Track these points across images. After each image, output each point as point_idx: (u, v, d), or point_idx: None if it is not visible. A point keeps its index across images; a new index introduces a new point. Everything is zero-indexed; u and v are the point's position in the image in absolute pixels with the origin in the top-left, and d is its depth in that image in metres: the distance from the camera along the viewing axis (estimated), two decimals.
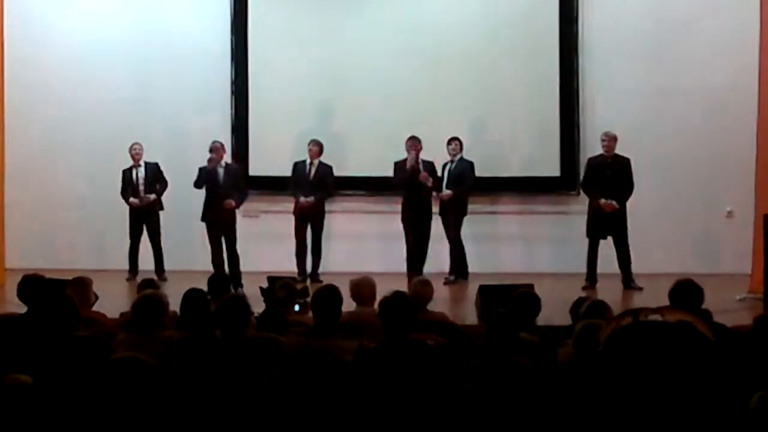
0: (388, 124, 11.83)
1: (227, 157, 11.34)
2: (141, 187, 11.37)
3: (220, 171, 10.71)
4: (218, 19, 12.24)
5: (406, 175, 10.79)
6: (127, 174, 11.47)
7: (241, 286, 9.84)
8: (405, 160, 10.89)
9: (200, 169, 10.75)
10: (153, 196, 11.31)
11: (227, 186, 10.69)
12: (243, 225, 11.92)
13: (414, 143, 10.84)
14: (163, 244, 11.37)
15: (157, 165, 11.41)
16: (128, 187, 11.43)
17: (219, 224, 10.59)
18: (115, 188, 11.47)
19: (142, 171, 11.45)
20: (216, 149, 10.68)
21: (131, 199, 11.34)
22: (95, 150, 12.20)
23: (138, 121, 12.06)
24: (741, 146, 10.81)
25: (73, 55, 12.34)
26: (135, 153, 11.44)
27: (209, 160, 10.61)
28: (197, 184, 10.77)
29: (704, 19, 11.73)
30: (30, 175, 12.23)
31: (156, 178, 11.39)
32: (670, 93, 11.72)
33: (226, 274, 7.20)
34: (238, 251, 10.60)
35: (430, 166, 10.96)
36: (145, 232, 11.40)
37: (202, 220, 10.74)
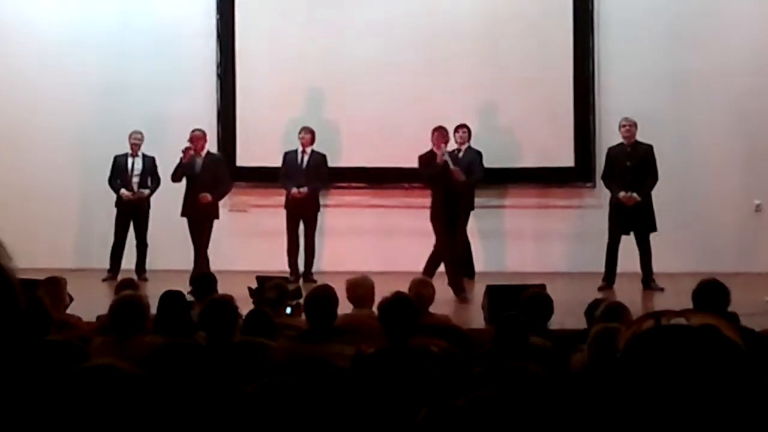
0: (387, 110, 11.82)
1: (213, 147, 11.33)
2: (134, 180, 11.31)
3: (199, 162, 10.70)
4: None
5: (437, 169, 10.28)
6: (120, 162, 11.35)
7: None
8: (431, 152, 10.70)
9: (179, 162, 10.77)
10: (146, 192, 11.25)
11: (206, 178, 10.68)
12: (230, 220, 11.92)
13: (442, 133, 10.46)
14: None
15: (153, 159, 11.29)
16: (119, 177, 11.33)
17: (198, 219, 10.60)
18: (92, 181, 11.45)
19: (139, 163, 11.37)
20: (196, 138, 10.67)
21: (123, 192, 11.21)
22: (67, 140, 12.17)
23: (112, 108, 12.03)
24: None
25: (40, 36, 12.30)
26: (134, 142, 11.33)
27: (184, 151, 10.59)
28: (174, 176, 10.78)
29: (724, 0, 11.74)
30: None
31: (151, 173, 11.30)
32: (693, 75, 11.71)
33: (211, 274, 7.19)
34: (209, 251, 10.66)
35: (455, 155, 10.59)
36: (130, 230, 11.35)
37: (182, 215, 10.75)
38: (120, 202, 11.29)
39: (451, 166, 10.23)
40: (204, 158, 10.78)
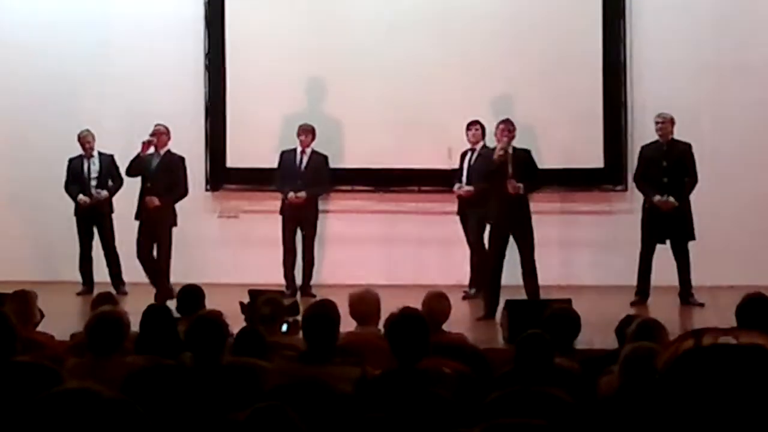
0: (393, 105, 11.82)
1: (200, 146, 11.36)
2: (93, 183, 11.34)
3: (156, 160, 10.70)
4: None
5: (492, 167, 9.95)
6: (75, 165, 11.40)
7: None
8: (487, 148, 10.60)
9: (135, 156, 10.83)
10: (105, 193, 11.25)
11: (159, 179, 10.68)
12: (219, 227, 11.95)
13: (507, 127, 10.03)
14: (120, 251, 11.34)
15: (112, 158, 11.33)
16: (76, 181, 11.38)
17: (150, 224, 10.62)
18: (60, 186, 11.43)
19: (95, 163, 11.40)
20: (159, 133, 10.68)
21: (80, 197, 11.29)
22: (37, 140, 12.16)
23: (90, 103, 12.04)
24: None
25: (8, 20, 12.29)
26: (86, 142, 11.40)
27: (144, 143, 10.60)
28: (128, 170, 10.86)
29: None
30: None
31: (110, 173, 11.34)
32: (737, 65, 11.68)
33: (198, 288, 7.20)
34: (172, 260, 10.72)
35: (525, 155, 10.09)
36: (96, 238, 11.37)
37: (136, 218, 10.78)
38: (79, 209, 11.33)
39: (509, 169, 9.77)
40: (162, 157, 10.77)
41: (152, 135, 10.70)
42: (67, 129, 11.71)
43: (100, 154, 11.39)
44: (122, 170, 11.28)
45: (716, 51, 11.72)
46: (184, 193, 10.98)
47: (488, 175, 10.05)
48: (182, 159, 10.95)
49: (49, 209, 12.03)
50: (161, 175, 10.74)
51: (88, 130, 11.41)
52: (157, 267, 10.64)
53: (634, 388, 4.31)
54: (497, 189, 9.84)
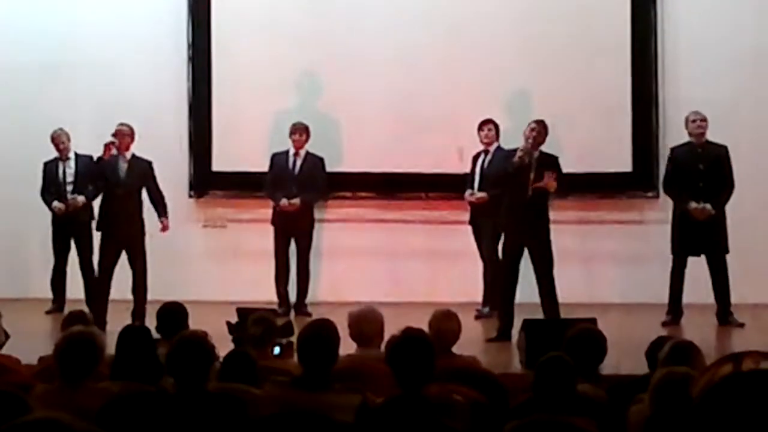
0: (397, 101, 11.86)
1: (183, 147, 11.36)
2: (68, 188, 11.32)
3: (123, 165, 10.69)
4: None
5: (509, 170, 9.86)
6: (50, 169, 11.42)
7: (142, 320, 9.86)
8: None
9: (97, 160, 10.77)
10: (81, 199, 11.22)
11: (129, 185, 10.68)
12: (204, 238, 11.98)
13: (538, 128, 9.96)
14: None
15: (90, 159, 11.22)
16: (51, 186, 11.40)
17: (119, 236, 10.59)
18: (25, 192, 11.44)
19: (71, 166, 11.38)
20: (121, 134, 10.62)
21: (55, 204, 11.28)
22: (2, 142, 12.20)
23: (58, 98, 12.07)
24: None
25: None
26: (60, 142, 11.40)
27: (105, 146, 10.57)
28: (90, 180, 10.88)
29: None
30: None
31: (89, 176, 11.28)
32: None
33: (181, 306, 7.20)
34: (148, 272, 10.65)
35: (551, 161, 9.99)
36: (73, 249, 11.37)
37: (98, 229, 10.75)
38: (55, 218, 11.34)
39: (531, 175, 9.71)
40: (129, 161, 10.76)
41: (114, 136, 10.64)
42: (34, 129, 11.74)
43: (76, 155, 11.37)
44: None
45: (759, 41, 11.71)
46: (160, 199, 10.96)
47: (504, 179, 10.03)
48: (150, 163, 10.91)
49: (18, 219, 12.06)
50: (133, 181, 10.72)
51: (61, 129, 11.40)
52: (138, 282, 10.61)
53: (667, 419, 4.31)
54: (512, 195, 9.85)
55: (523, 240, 9.85)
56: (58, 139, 11.40)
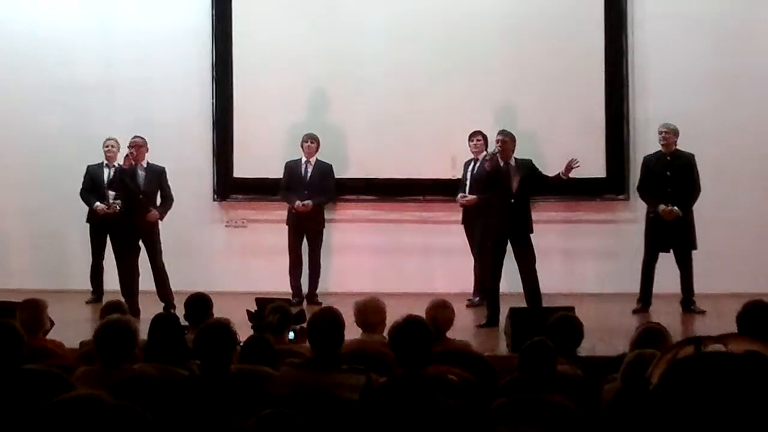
0: (397, 116, 11.83)
1: (207, 156, 11.33)
2: (111, 192, 11.21)
3: (141, 173, 10.66)
4: None
5: (484, 175, 10.01)
6: (94, 173, 11.32)
7: (173, 307, 9.86)
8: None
9: (117, 170, 10.76)
10: (120, 203, 11.13)
11: (148, 192, 10.66)
12: (227, 237, 11.97)
13: (498, 137, 9.92)
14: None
15: (163, 171, 10.87)
16: (93, 189, 11.24)
17: (137, 236, 10.56)
18: (69, 195, 11.41)
19: (112, 172, 11.30)
20: (137, 146, 10.60)
21: (97, 205, 11.12)
22: (42, 149, 12.16)
23: (98, 113, 12.04)
24: None
25: (19, 33, 12.30)
26: (107, 150, 11.32)
27: (126, 157, 10.55)
28: (110, 185, 10.81)
29: None
30: None
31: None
32: (740, 75, 11.66)
33: (206, 296, 7.19)
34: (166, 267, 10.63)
35: (527, 164, 9.98)
36: (108, 246, 11.30)
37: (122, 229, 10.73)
38: (93, 217, 11.27)
39: (515, 182, 9.72)
40: (147, 169, 10.72)
41: (131, 147, 10.60)
42: (78, 138, 11.75)
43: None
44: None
45: (719, 60, 11.67)
46: (171, 204, 10.91)
47: (487, 185, 10.07)
48: (164, 168, 10.87)
49: (61, 219, 12.05)
50: (151, 187, 10.70)
51: (114, 139, 11.33)
52: (160, 277, 10.60)
53: (635, 395, 4.31)
54: (498, 198, 9.86)
55: (507, 238, 9.86)
56: (106, 146, 11.32)
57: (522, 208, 9.82)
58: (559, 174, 9.80)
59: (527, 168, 9.89)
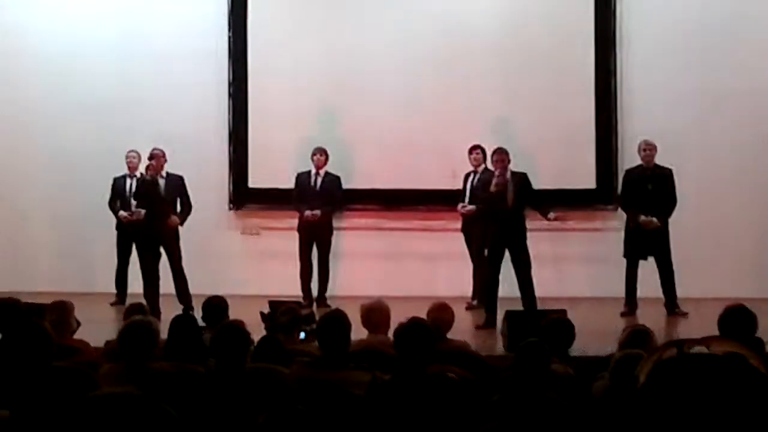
0: (401, 130, 11.85)
1: (224, 168, 11.33)
2: (133, 201, 11.26)
3: (161, 182, 10.68)
4: (214, 12, 12.26)
5: (488, 194, 9.94)
6: (119, 184, 11.42)
7: (192, 309, 9.87)
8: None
9: (139, 181, 10.80)
10: (143, 211, 11.15)
11: (169, 200, 10.68)
12: (242, 243, 11.97)
13: (500, 157, 10.00)
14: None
15: (182, 180, 10.85)
16: (118, 199, 11.36)
17: (158, 241, 10.57)
18: (94, 203, 11.45)
19: (135, 183, 11.32)
20: (156, 156, 10.61)
21: (121, 213, 11.24)
22: (68, 160, 12.21)
23: (121, 127, 12.05)
24: None
25: (46, 51, 12.34)
26: (129, 161, 11.39)
27: (147, 168, 10.58)
28: (136, 195, 10.81)
29: (755, 12, 11.71)
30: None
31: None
32: (720, 95, 11.67)
33: (222, 298, 7.20)
34: (185, 271, 10.62)
35: (522, 178, 10.04)
36: (133, 252, 11.30)
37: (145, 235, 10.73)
38: (120, 225, 11.31)
39: (509, 195, 9.79)
40: (167, 179, 10.75)
41: (150, 158, 10.63)
42: (102, 152, 11.78)
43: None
44: None
45: (700, 80, 11.69)
46: (190, 211, 10.93)
47: (487, 199, 10.08)
48: (182, 177, 10.90)
49: (86, 227, 12.08)
50: (170, 195, 10.73)
51: (135, 151, 11.38)
52: (180, 280, 10.62)
53: (622, 393, 4.31)
54: (495, 210, 9.89)
55: (505, 245, 9.87)
56: (128, 158, 11.37)
57: (517, 217, 9.85)
58: (546, 216, 10.01)
59: (522, 181, 9.92)
